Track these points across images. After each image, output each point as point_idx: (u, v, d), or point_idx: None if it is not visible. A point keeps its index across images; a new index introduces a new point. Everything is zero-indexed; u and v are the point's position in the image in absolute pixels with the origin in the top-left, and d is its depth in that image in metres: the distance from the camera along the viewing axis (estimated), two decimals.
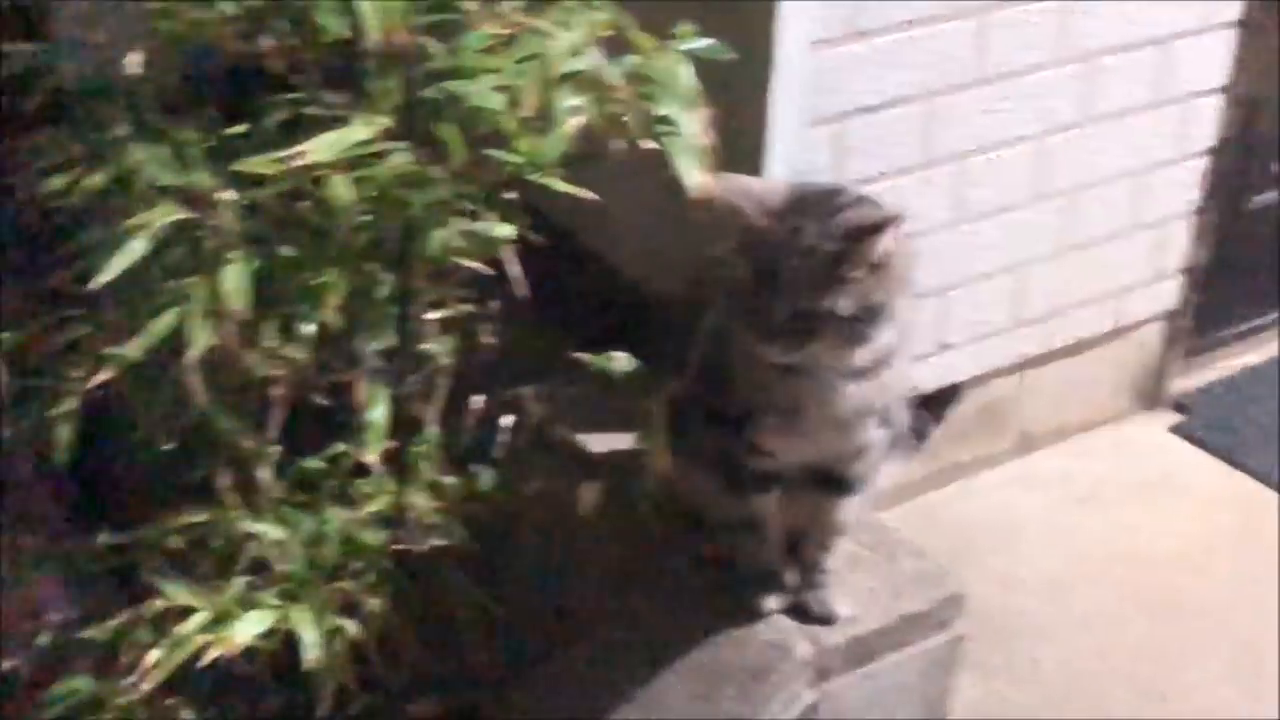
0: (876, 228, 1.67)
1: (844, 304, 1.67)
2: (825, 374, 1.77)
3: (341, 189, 1.71)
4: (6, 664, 2.14)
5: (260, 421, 1.94)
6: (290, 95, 1.85)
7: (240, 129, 1.81)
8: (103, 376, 1.75)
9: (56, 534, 2.30)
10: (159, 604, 1.94)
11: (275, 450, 1.97)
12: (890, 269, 1.69)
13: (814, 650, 1.96)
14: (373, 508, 2.05)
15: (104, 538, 2.07)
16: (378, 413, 1.96)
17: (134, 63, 1.84)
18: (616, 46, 1.83)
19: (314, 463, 2.04)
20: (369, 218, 1.80)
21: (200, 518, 1.99)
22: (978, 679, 2.21)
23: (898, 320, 1.77)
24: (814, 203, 1.71)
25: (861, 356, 1.75)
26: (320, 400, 2.00)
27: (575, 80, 1.71)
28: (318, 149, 1.67)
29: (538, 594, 2.13)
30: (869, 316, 1.69)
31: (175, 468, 2.03)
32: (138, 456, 2.03)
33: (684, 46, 1.79)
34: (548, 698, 1.97)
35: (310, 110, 1.83)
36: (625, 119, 1.72)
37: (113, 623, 1.98)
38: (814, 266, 1.66)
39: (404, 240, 1.87)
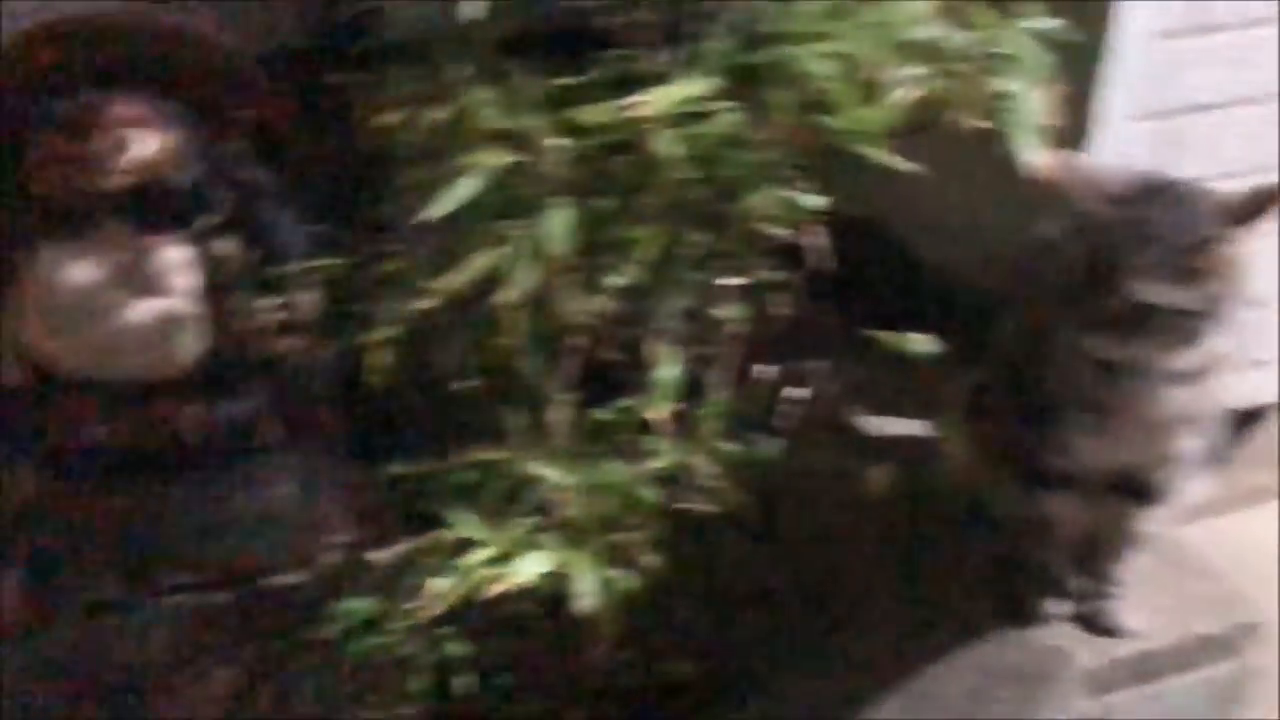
0: (1250, 218, 1.58)
1: (1186, 299, 1.60)
2: (1149, 373, 1.69)
3: (669, 143, 1.72)
4: (292, 578, 2.24)
5: (557, 368, 1.98)
6: (619, 50, 1.89)
7: (572, 79, 1.84)
8: (424, 305, 1.81)
9: (343, 458, 2.39)
10: (445, 535, 2.00)
11: (569, 398, 2.00)
12: (1236, 268, 1.61)
13: (1097, 661, 1.90)
14: (655, 465, 2.07)
15: (394, 467, 2.15)
16: (669, 372, 1.98)
17: (474, 7, 1.89)
18: (952, 23, 1.79)
19: (603, 414, 2.07)
20: (688, 176, 1.82)
21: (490, 456, 2.04)
22: (1266, 712, 2.10)
23: (1230, 325, 1.68)
24: (1161, 192, 1.64)
25: (1190, 359, 1.67)
26: (613, 353, 2.03)
27: (916, 50, 1.68)
28: (654, 100, 1.68)
29: (811, 571, 2.11)
30: (1207, 316, 1.61)
31: (465, 404, 2.09)
32: (430, 390, 2.09)
33: (1027, 24, 1.74)
34: (815, 676, 1.95)
35: (639, 66, 1.86)
36: (962, 93, 1.68)
37: (398, 549, 2.06)
38: (1161, 258, 1.59)
39: (718, 202, 1.88)
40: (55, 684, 2.15)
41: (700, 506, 2.06)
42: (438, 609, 1.95)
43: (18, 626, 2.17)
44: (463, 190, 1.74)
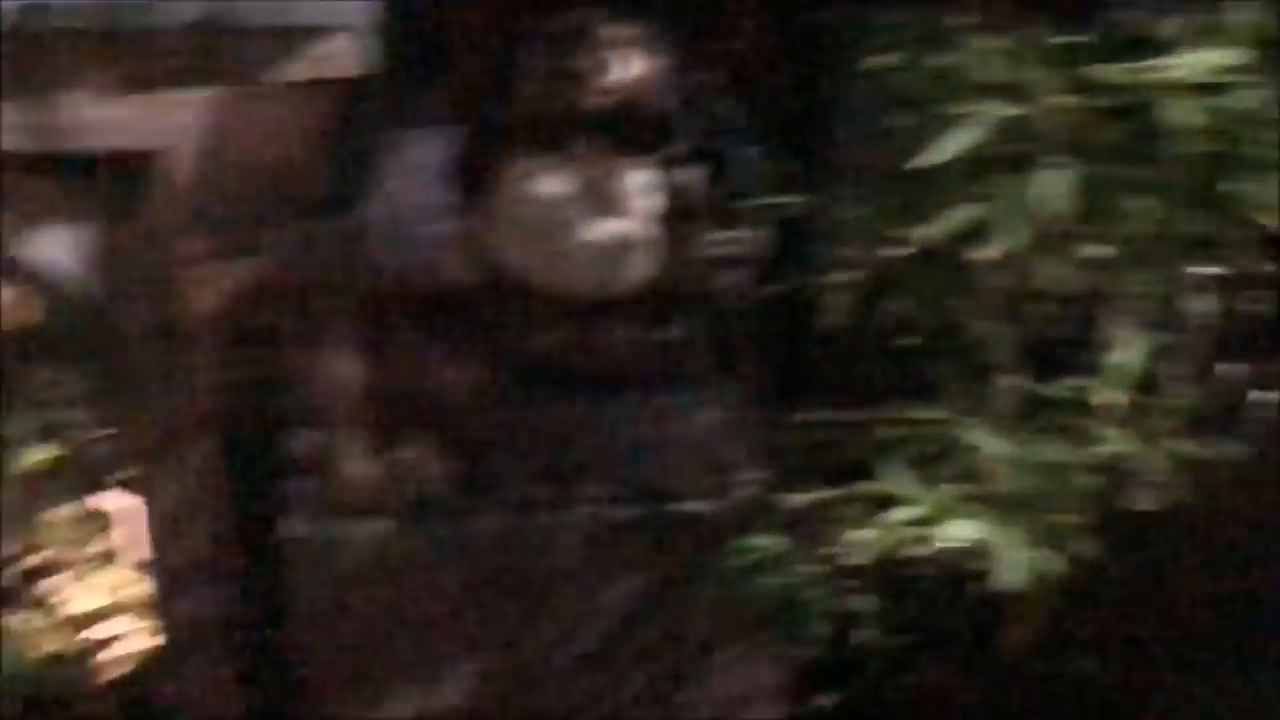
0: None
1: None
2: None
3: (1187, 113, 1.62)
4: (702, 506, 2.28)
5: (1009, 334, 1.92)
6: (1128, 11, 1.80)
7: (1079, 37, 1.77)
8: (892, 254, 1.78)
9: (764, 397, 2.41)
10: (869, 488, 1.98)
11: (1017, 367, 1.94)
12: None
13: None
14: (1097, 451, 1.98)
15: (812, 413, 2.14)
16: (1128, 357, 1.88)
17: None
18: None
19: (1049, 390, 2.00)
20: (1194, 150, 1.71)
21: (924, 415, 2.00)
22: None
23: None
24: None
25: None
26: (1069, 329, 1.95)
27: None
28: (1181, 66, 1.59)
29: (1262, 585, 1.98)
30: None
31: (901, 359, 2.06)
32: (868, 341, 2.07)
33: None
34: (1246, 696, 1.83)
35: (1149, 30, 1.76)
36: None
37: (813, 494, 2.06)
38: None
39: (1218, 182, 1.77)
40: (473, 570, 2.27)
41: (1141, 501, 1.97)
42: (859, 559, 1.94)
43: (445, 513, 2.30)
44: (959, 140, 1.70)
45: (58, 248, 2.05)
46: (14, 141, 1.92)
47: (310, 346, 2.29)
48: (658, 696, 2.29)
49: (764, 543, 2.12)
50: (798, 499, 2.11)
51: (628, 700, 2.29)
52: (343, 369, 2.31)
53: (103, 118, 1.95)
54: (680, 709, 2.30)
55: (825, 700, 2.26)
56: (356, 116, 2.23)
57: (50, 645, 2.67)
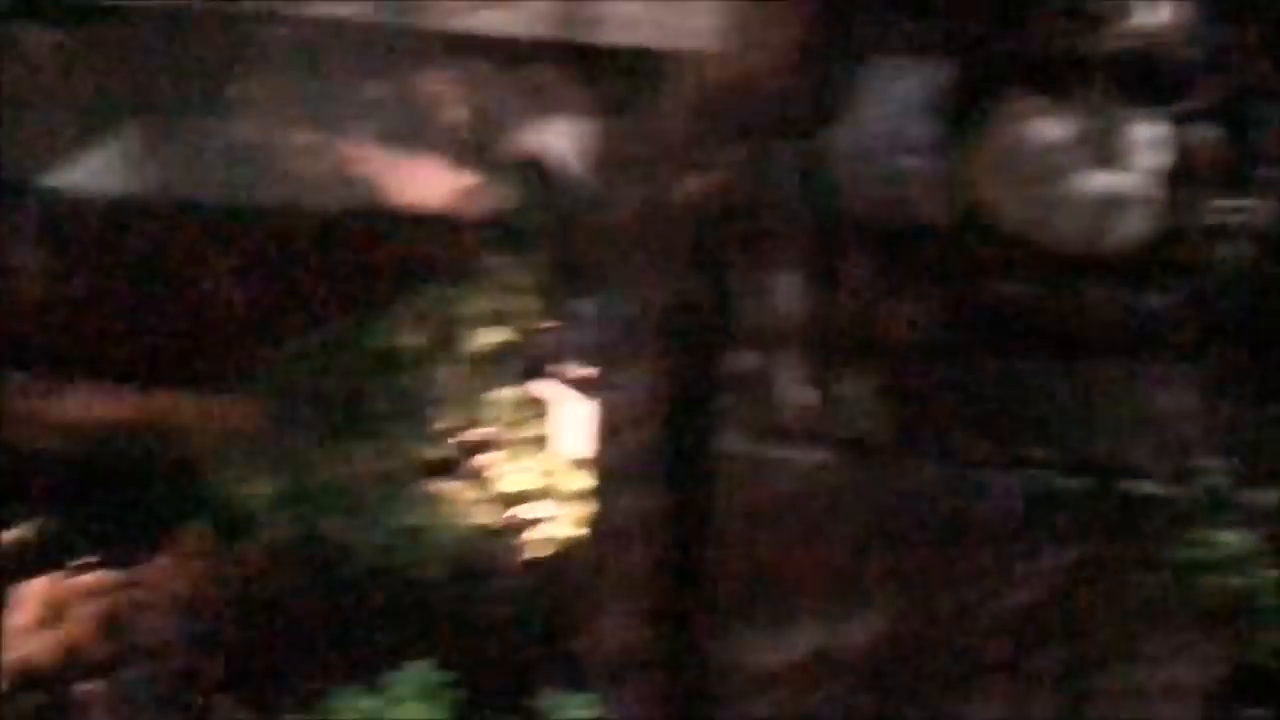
0: None
1: None
2: None
3: None
4: (1152, 488, 2.14)
5: None
6: None
7: None
8: None
9: (1243, 382, 2.23)
10: None
11: None
12: None
13: None
14: None
15: None
16: None
17: None
18: None
19: None
20: None
21: None
22: None
23: None
24: None
25: None
26: None
27: None
28: None
29: None
30: None
31: None
32: None
33: None
34: None
35: None
36: None
37: None
38: None
39: None
40: (899, 513, 2.23)
41: None
42: None
43: (879, 453, 2.25)
44: None
45: (557, 137, 2.11)
46: (537, 30, 1.98)
47: (765, 267, 2.29)
48: (1071, 676, 2.19)
49: (1227, 538, 1.98)
50: (1269, 496, 1.96)
51: (1037, 674, 2.20)
52: (794, 294, 2.30)
53: (623, 14, 1.99)
54: (1093, 694, 2.19)
55: (1265, 712, 2.10)
56: (853, 38, 2.19)
57: (478, 518, 2.82)
